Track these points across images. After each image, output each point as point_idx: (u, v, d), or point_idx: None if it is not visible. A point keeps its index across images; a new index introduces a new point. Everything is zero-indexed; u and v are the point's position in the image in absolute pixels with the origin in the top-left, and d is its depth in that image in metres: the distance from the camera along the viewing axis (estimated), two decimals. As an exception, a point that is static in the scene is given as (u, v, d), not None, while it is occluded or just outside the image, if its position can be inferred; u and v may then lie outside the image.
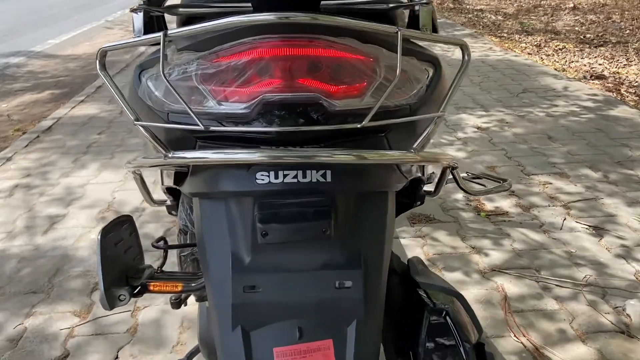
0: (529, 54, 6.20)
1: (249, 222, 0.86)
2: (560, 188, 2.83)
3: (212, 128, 0.76)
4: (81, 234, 2.51)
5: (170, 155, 0.80)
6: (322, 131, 0.79)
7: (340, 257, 0.85)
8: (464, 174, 1.47)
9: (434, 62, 0.92)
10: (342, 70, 0.80)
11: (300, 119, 0.78)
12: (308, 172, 0.83)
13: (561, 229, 2.46)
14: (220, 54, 0.78)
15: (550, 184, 2.89)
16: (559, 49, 6.41)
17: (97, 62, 0.81)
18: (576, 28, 7.66)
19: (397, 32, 0.74)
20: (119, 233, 1.10)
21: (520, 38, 7.13)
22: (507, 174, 2.97)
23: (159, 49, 0.75)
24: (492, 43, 6.76)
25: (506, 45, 6.64)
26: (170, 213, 1.44)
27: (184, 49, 0.80)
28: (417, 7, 0.82)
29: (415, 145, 0.83)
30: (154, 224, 2.58)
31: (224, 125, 0.79)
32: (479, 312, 1.91)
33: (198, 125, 0.75)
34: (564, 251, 2.28)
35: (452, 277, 2.11)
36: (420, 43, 0.94)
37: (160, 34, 0.74)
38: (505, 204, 2.69)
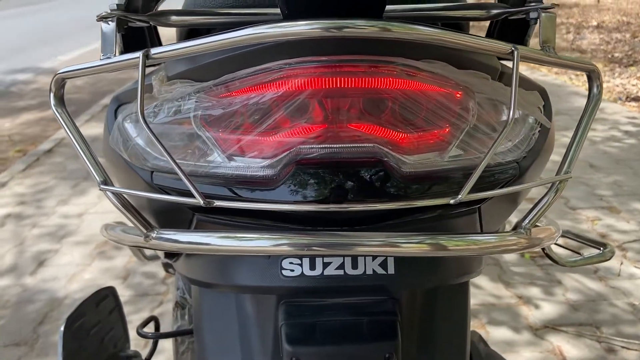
0: (556, 73, 5.90)
1: (269, 332, 0.58)
2: (612, 225, 2.52)
3: (217, 204, 0.48)
4: (74, 273, 2.24)
5: (154, 235, 0.52)
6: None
7: None
8: None
9: (541, 94, 0.64)
10: (414, 109, 0.52)
11: (351, 184, 0.50)
12: (360, 259, 0.55)
13: (619, 275, 2.14)
14: (232, 86, 0.50)
15: (600, 219, 2.57)
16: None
17: (52, 94, 0.54)
18: (602, 47, 7.36)
19: (512, 51, 0.46)
20: (94, 315, 0.82)
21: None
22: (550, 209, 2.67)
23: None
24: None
25: (532, 65, 6.36)
26: (167, 272, 1.16)
27: (177, 77, 0.53)
28: (532, 15, 0.54)
29: (526, 223, 0.54)
30: (155, 263, 2.30)
31: (236, 196, 0.52)
32: (536, 382, 1.61)
33: (196, 200, 0.47)
34: (626, 303, 1.97)
35: (499, 335, 1.81)
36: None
37: (139, 54, 0.46)
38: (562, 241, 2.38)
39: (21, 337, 1.88)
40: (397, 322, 0.55)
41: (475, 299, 2.01)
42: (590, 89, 0.56)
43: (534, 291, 2.05)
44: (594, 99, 0.55)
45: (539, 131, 0.60)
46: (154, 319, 0.90)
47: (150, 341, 0.93)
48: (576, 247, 0.94)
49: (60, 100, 0.54)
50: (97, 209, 2.81)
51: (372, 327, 0.54)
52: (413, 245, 0.48)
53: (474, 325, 1.86)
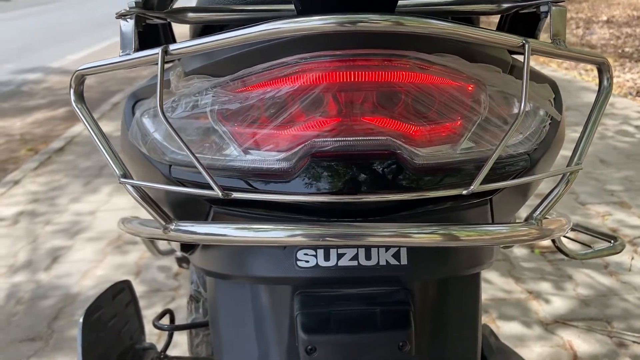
0: (566, 68, 5.87)
1: (285, 322, 0.59)
2: (622, 220, 2.51)
3: (235, 196, 0.49)
4: (87, 270, 2.27)
5: (172, 227, 0.53)
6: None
7: None
8: None
9: (551, 87, 0.64)
10: (427, 102, 0.53)
11: (365, 177, 0.51)
12: (373, 251, 0.56)
13: (630, 270, 2.14)
14: (248, 81, 0.51)
15: (610, 215, 2.56)
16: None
17: (72, 90, 0.55)
18: (612, 42, 7.30)
19: (523, 45, 0.47)
20: (110, 308, 0.84)
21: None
22: (559, 203, 2.66)
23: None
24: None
25: (541, 59, 6.32)
26: (181, 266, 1.17)
27: (194, 73, 0.54)
28: (542, 9, 0.55)
29: (537, 214, 0.54)
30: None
31: (253, 188, 0.53)
32: (547, 376, 1.61)
33: (214, 192, 0.48)
34: (637, 298, 1.96)
35: (509, 330, 1.81)
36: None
37: (158, 50, 0.48)
38: (572, 234, 2.38)
39: (36, 333, 1.91)
40: (410, 311, 0.56)
41: (485, 293, 2.01)
42: (600, 82, 0.57)
43: (544, 286, 2.05)
44: (604, 91, 0.56)
45: (549, 123, 0.60)
46: (169, 312, 0.92)
47: (165, 334, 0.94)
48: (587, 240, 0.94)
49: (80, 97, 0.55)
50: (108, 207, 2.84)
51: (385, 317, 0.55)
52: (425, 236, 0.49)
53: (485, 319, 1.86)
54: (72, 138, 4.01)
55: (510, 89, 0.54)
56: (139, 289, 2.12)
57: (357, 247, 0.56)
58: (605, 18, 9.22)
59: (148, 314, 1.91)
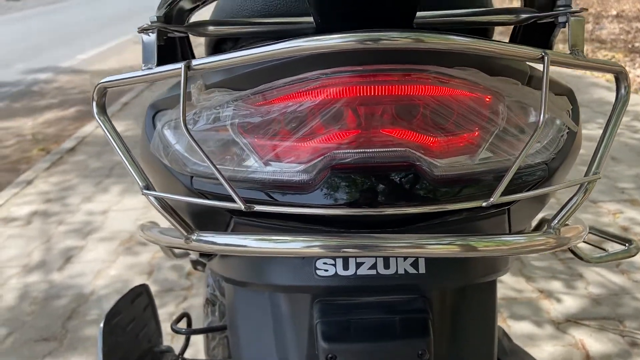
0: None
1: (304, 330, 0.60)
2: (634, 218, 2.50)
3: (257, 208, 0.50)
4: (100, 269, 2.29)
5: (194, 237, 0.54)
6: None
7: None
8: None
9: (568, 97, 0.64)
10: (445, 113, 0.53)
11: (383, 188, 0.52)
12: (392, 260, 0.57)
13: (642, 268, 2.13)
14: (269, 95, 0.52)
15: (622, 212, 2.55)
16: (608, 59, 6.03)
17: (94, 103, 0.56)
18: (622, 37, 7.24)
19: (542, 57, 0.47)
20: (129, 312, 0.85)
21: (564, 48, 6.76)
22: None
23: (179, 83, 0.50)
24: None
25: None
26: (195, 269, 1.19)
27: (215, 86, 0.55)
28: (560, 19, 0.55)
29: (555, 223, 0.55)
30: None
31: (273, 200, 0.54)
32: (559, 376, 1.61)
33: (237, 205, 0.49)
34: (649, 297, 1.96)
35: (520, 329, 1.81)
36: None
37: (181, 65, 0.48)
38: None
39: (50, 333, 1.93)
40: (429, 319, 0.56)
41: (496, 293, 2.01)
42: (618, 90, 0.57)
43: (556, 285, 2.05)
44: (621, 99, 0.56)
45: (567, 132, 0.61)
46: (186, 315, 0.93)
47: (182, 337, 0.96)
48: (599, 242, 0.94)
49: (102, 109, 0.56)
50: (119, 207, 2.86)
51: (404, 325, 0.56)
52: (444, 247, 0.50)
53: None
54: (83, 138, 4.04)
55: (528, 99, 0.54)
56: (151, 288, 2.13)
57: (376, 257, 0.56)
58: (614, 13, 9.14)
59: (161, 314, 1.92)
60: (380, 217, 0.54)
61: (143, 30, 0.53)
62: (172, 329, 0.86)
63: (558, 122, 0.60)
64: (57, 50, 8.66)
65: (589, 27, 8.14)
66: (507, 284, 2.06)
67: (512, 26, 0.73)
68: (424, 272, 0.57)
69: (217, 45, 0.76)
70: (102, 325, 0.76)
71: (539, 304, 1.95)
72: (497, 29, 0.80)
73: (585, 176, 0.55)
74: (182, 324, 0.94)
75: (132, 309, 0.87)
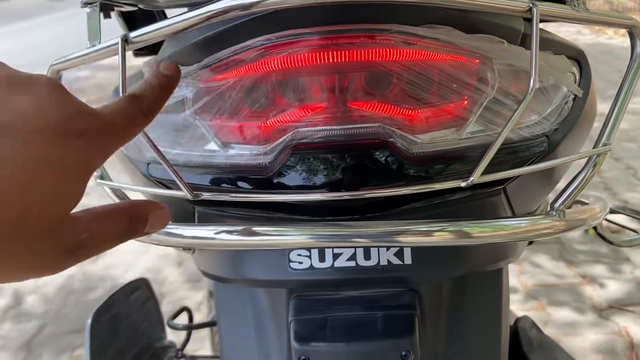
0: (623, 35, 5.50)
1: (283, 326, 0.55)
2: (687, 196, 2.33)
3: (205, 196, 0.44)
4: (132, 261, 2.31)
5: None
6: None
7: None
8: None
9: (578, 59, 0.56)
10: (423, 82, 0.46)
11: (353, 170, 0.46)
12: (373, 250, 0.51)
13: (695, 250, 1.98)
14: (216, 69, 0.46)
15: (673, 191, 2.39)
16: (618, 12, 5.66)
17: None
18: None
19: (530, 9, 0.40)
20: (125, 308, 0.82)
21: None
22: (615, 180, 2.50)
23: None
24: (579, 25, 6.09)
25: (596, 27, 5.96)
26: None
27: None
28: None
29: (559, 204, 0.47)
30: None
31: (233, 186, 0.48)
32: (601, 366, 1.51)
33: (183, 193, 0.44)
34: (703, 280, 1.81)
35: (560, 316, 1.71)
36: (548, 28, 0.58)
37: (117, 39, 0.43)
38: (618, 218, 2.23)
39: (82, 324, 1.95)
40: (416, 316, 0.50)
41: (534, 279, 1.90)
42: (633, 47, 0.49)
43: (599, 269, 1.92)
44: (637, 58, 0.48)
45: (573, 99, 0.53)
46: (186, 309, 0.90)
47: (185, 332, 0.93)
48: (627, 222, 0.85)
49: None
50: (153, 198, 2.88)
51: (387, 323, 0.50)
52: (434, 235, 0.44)
53: (534, 306, 1.76)
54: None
55: (521, 62, 0.47)
56: (180, 278, 2.14)
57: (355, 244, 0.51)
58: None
59: (190, 303, 1.92)
60: (355, 202, 0.48)
61: (85, 4, 0.49)
62: (169, 325, 0.83)
63: (564, 88, 0.52)
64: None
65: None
66: (547, 269, 1.95)
67: None
68: (410, 262, 0.51)
69: None
70: (88, 322, 0.74)
71: (581, 289, 1.84)
72: None
73: (594, 148, 0.47)
74: (184, 318, 0.91)
75: (128, 304, 0.84)
